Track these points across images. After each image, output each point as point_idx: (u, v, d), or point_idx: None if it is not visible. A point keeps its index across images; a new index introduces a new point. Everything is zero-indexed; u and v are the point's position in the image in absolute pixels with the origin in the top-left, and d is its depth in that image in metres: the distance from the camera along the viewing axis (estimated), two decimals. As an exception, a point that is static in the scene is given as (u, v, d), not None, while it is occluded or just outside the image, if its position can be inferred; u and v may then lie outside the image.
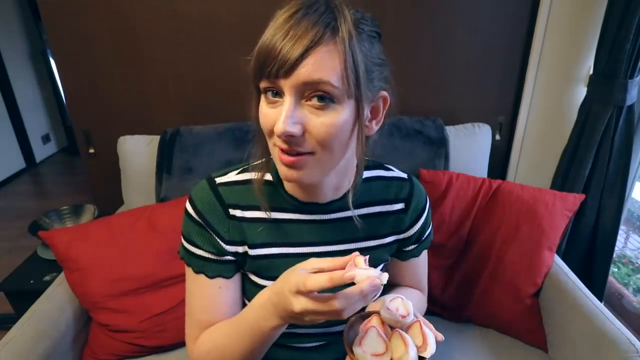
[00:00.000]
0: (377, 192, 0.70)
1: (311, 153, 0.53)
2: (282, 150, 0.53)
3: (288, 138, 0.50)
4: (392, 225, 0.71)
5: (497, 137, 1.48)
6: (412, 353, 0.51)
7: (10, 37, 3.41)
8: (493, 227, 1.14)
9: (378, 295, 0.61)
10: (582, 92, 1.33)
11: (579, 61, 1.32)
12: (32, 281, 1.32)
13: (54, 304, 1.04)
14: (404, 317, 0.54)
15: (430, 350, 0.52)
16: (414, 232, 0.73)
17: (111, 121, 1.42)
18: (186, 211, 0.66)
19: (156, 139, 1.30)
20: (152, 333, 1.06)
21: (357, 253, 0.48)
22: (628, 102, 1.19)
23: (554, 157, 1.39)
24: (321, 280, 0.45)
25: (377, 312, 0.57)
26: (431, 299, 1.18)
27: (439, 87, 1.42)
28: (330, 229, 0.67)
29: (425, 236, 0.76)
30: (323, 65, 0.48)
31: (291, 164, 0.53)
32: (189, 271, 0.67)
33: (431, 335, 0.53)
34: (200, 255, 0.65)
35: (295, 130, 0.50)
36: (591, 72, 1.27)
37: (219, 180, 0.66)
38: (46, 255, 1.42)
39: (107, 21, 1.29)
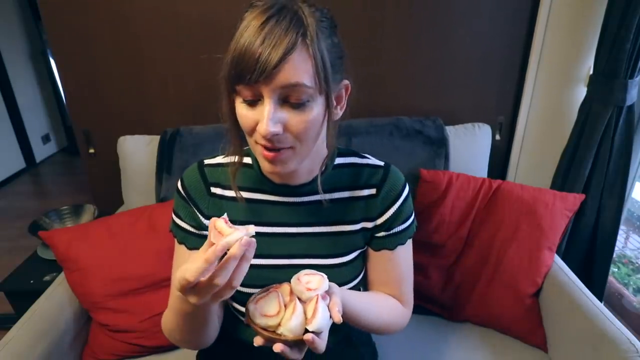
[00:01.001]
0: (347, 178, 0.73)
1: (291, 147, 0.58)
2: (265, 147, 0.57)
3: (272, 137, 0.55)
4: (364, 211, 0.73)
5: (497, 137, 1.48)
6: (295, 322, 0.52)
7: (10, 37, 3.42)
8: (493, 227, 1.14)
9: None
10: (582, 92, 1.33)
11: (579, 61, 1.32)
12: (32, 281, 1.32)
13: (54, 304, 1.04)
14: (309, 290, 0.56)
15: (316, 324, 0.52)
16: (385, 219, 0.73)
17: (111, 121, 1.41)
18: (176, 188, 0.74)
19: (156, 139, 1.30)
20: (152, 333, 1.06)
21: (214, 219, 0.50)
22: (628, 102, 1.19)
23: (554, 157, 1.39)
24: (199, 267, 0.46)
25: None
26: (431, 299, 1.18)
27: (439, 87, 1.42)
28: (303, 212, 0.71)
29: (400, 228, 0.74)
30: (298, 69, 0.53)
31: (273, 159, 0.58)
32: (176, 245, 0.74)
33: (323, 311, 0.54)
34: (182, 227, 0.72)
35: (278, 129, 0.55)
36: (591, 72, 1.27)
37: (206, 162, 0.74)
38: (46, 255, 1.42)
39: (107, 21, 1.29)
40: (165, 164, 1.26)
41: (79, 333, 1.08)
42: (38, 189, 3.42)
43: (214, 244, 0.48)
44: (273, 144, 0.56)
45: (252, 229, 0.49)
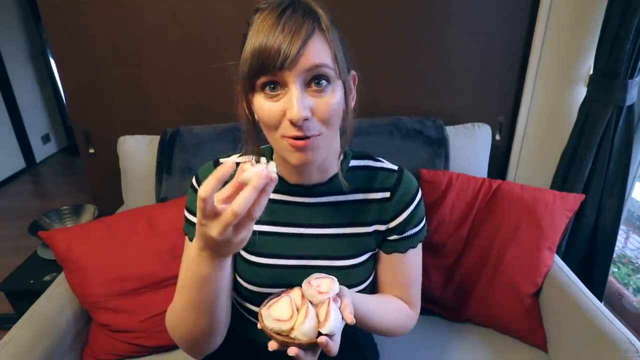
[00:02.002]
0: (361, 181, 0.73)
1: (319, 134, 0.58)
2: (293, 138, 0.57)
3: (302, 123, 0.55)
4: (377, 214, 0.73)
5: (497, 137, 1.48)
6: (308, 325, 0.53)
7: (10, 37, 3.41)
8: (493, 227, 1.14)
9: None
10: (582, 92, 1.33)
11: (579, 61, 1.32)
12: (32, 281, 1.32)
13: (54, 304, 1.04)
14: (320, 293, 0.56)
15: (329, 326, 0.53)
16: (398, 222, 0.73)
17: (111, 121, 1.41)
18: (191, 184, 0.73)
19: (156, 139, 1.30)
20: (152, 333, 1.06)
21: (242, 162, 0.49)
22: (628, 102, 1.19)
23: (554, 157, 1.39)
24: (209, 182, 0.45)
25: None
26: (431, 299, 1.18)
27: (439, 87, 1.41)
28: (316, 212, 0.72)
29: (411, 232, 0.74)
30: (319, 51, 0.55)
31: (304, 147, 0.57)
32: (186, 242, 0.72)
33: (335, 314, 0.54)
34: (196, 224, 0.69)
35: (307, 114, 0.55)
36: (591, 72, 1.27)
37: (222, 160, 0.71)
38: (46, 255, 1.42)
39: (107, 21, 1.29)
40: (165, 164, 1.26)
41: (79, 333, 1.08)
42: (38, 189, 3.42)
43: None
44: (303, 131, 0.56)
45: (273, 165, 0.48)
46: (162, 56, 1.34)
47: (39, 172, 3.61)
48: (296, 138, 0.57)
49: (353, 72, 0.65)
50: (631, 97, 1.18)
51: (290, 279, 0.69)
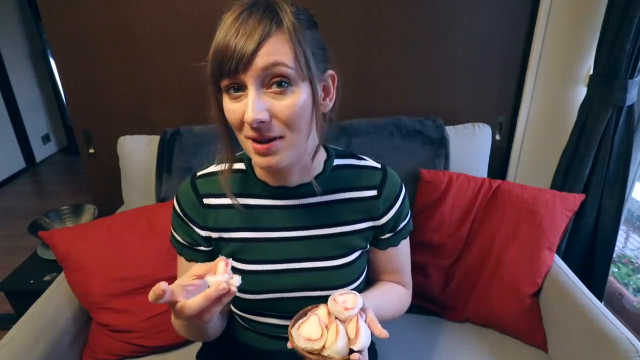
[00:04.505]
0: (347, 179, 0.72)
1: (281, 137, 0.57)
2: (254, 140, 0.57)
3: (258, 125, 0.54)
4: (365, 212, 0.73)
5: (497, 137, 1.48)
6: (341, 343, 0.54)
7: (10, 37, 3.42)
8: (493, 227, 1.14)
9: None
10: (582, 92, 1.33)
11: (579, 61, 1.32)
12: (32, 281, 1.32)
13: (54, 304, 1.04)
14: (347, 309, 0.57)
15: (360, 343, 0.54)
16: (388, 219, 0.74)
17: (111, 121, 1.42)
18: (172, 204, 0.74)
19: (156, 139, 1.30)
20: (152, 333, 1.06)
21: (221, 258, 0.53)
22: (628, 102, 1.19)
23: (554, 157, 1.39)
24: (154, 290, 0.48)
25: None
26: (431, 299, 1.18)
27: (439, 87, 1.42)
28: (301, 214, 0.71)
29: (401, 226, 0.77)
30: (276, 52, 0.53)
31: (265, 151, 0.57)
32: (177, 256, 0.77)
33: (365, 330, 0.56)
34: (179, 242, 0.75)
35: (263, 116, 0.54)
36: (591, 72, 1.27)
37: (198, 173, 0.74)
38: (46, 255, 1.42)
39: (107, 21, 1.29)
40: (165, 164, 1.26)
41: (79, 333, 1.08)
42: (38, 189, 3.42)
43: (200, 276, 0.52)
44: (261, 134, 0.55)
45: (237, 279, 0.51)
46: (162, 56, 1.34)
47: (39, 172, 3.61)
48: (256, 141, 0.56)
49: (331, 72, 0.62)
50: (631, 97, 1.18)
51: (280, 284, 0.70)
